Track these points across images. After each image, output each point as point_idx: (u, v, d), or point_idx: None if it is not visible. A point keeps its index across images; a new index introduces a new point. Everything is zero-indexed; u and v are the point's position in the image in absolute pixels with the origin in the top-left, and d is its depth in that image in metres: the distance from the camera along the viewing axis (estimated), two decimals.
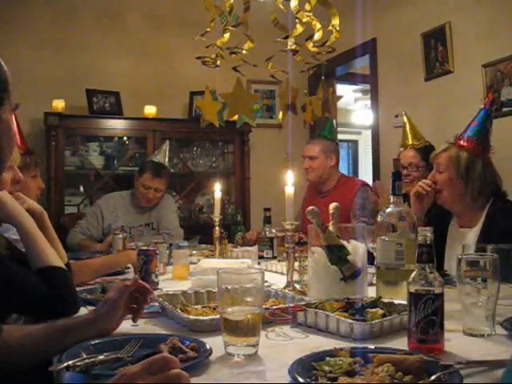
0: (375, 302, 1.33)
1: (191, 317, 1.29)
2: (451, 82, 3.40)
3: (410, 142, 2.78)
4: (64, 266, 1.42)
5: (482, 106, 2.15)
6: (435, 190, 2.13)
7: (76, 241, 3.05)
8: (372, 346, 1.07)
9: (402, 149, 2.85)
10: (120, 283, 1.26)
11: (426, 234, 1.09)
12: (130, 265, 2.22)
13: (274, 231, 2.55)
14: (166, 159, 3.47)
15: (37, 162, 2.27)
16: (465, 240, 2.07)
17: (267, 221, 2.62)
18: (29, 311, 1.34)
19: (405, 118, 2.85)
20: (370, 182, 4.01)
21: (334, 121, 3.28)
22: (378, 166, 4.13)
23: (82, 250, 2.88)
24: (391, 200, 1.60)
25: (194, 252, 2.72)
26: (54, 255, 1.40)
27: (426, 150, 2.67)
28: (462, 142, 2.10)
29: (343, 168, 7.85)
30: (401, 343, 1.12)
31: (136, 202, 3.25)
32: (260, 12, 2.44)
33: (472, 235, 2.04)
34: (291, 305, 1.37)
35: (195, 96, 4.23)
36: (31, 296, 1.29)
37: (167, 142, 3.60)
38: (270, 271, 2.21)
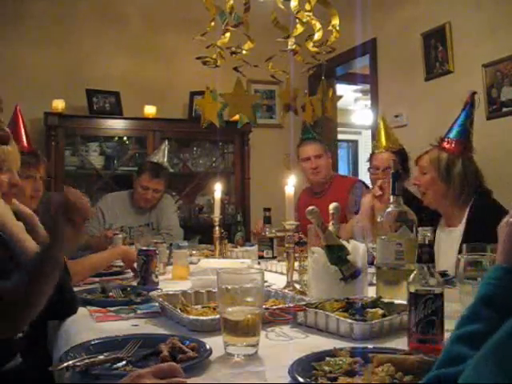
0: (375, 302, 1.33)
1: (191, 317, 1.29)
2: (451, 81, 3.40)
3: (385, 144, 2.69)
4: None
5: (464, 107, 2.18)
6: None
7: (82, 242, 3.05)
8: (372, 346, 1.07)
9: (376, 151, 2.75)
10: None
11: (426, 234, 1.09)
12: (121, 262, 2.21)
13: (273, 231, 2.55)
14: (165, 159, 3.46)
15: (30, 164, 2.18)
16: (451, 239, 2.11)
17: (267, 221, 2.62)
18: None
19: (381, 123, 2.77)
20: (369, 182, 4.02)
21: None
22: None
23: (93, 249, 2.88)
24: (391, 200, 1.60)
25: (194, 252, 2.72)
26: None
27: (401, 154, 2.63)
28: (444, 144, 2.15)
29: (343, 168, 7.85)
30: (401, 343, 1.12)
31: (135, 203, 3.25)
32: (260, 12, 2.44)
33: (457, 234, 2.09)
34: (291, 305, 1.37)
35: (195, 96, 4.23)
36: None
37: (166, 142, 3.59)
38: (270, 271, 2.21)
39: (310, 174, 3.15)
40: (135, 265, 2.02)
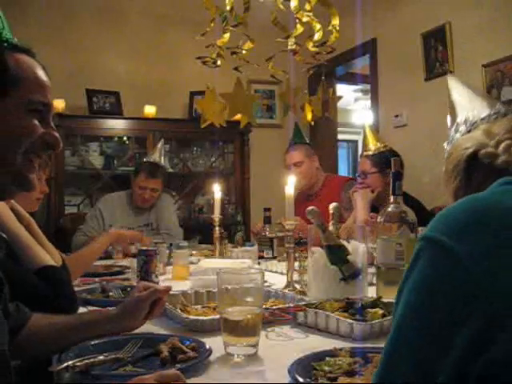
0: (375, 302, 1.33)
1: (191, 317, 1.29)
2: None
3: (365, 151, 2.77)
4: (57, 265, 1.41)
5: None
6: None
7: (81, 242, 3.04)
8: (372, 346, 1.07)
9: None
10: (152, 286, 1.26)
11: None
12: (129, 264, 2.21)
13: (275, 232, 2.55)
14: (162, 158, 3.45)
15: (40, 165, 2.21)
16: None
17: (267, 221, 2.62)
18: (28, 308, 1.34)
19: (366, 128, 2.81)
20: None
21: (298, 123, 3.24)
22: None
23: None
24: (391, 200, 1.60)
25: (194, 252, 2.72)
26: (45, 255, 1.40)
27: (379, 156, 2.65)
28: None
29: (343, 168, 7.85)
30: None
31: (134, 203, 3.24)
32: (260, 12, 2.44)
33: None
34: (291, 305, 1.37)
35: (195, 96, 4.23)
36: (30, 295, 1.29)
37: (162, 141, 3.60)
38: (270, 271, 2.21)
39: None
40: (135, 265, 2.02)
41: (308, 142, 3.29)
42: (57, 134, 1.00)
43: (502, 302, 0.49)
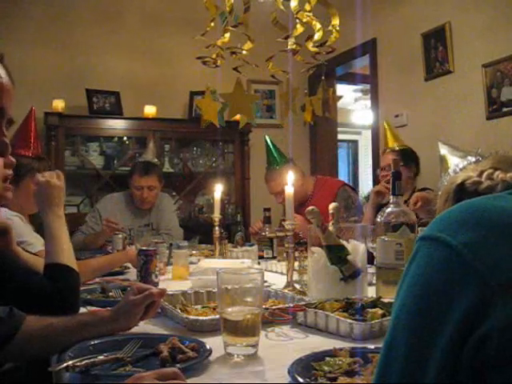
0: (375, 302, 1.33)
1: (191, 317, 1.29)
2: (451, 81, 3.40)
3: (390, 145, 3.03)
4: (75, 268, 1.40)
5: None
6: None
7: (80, 241, 3.04)
8: (372, 346, 1.07)
9: (387, 150, 3.06)
10: (147, 289, 1.26)
11: None
12: (129, 264, 2.22)
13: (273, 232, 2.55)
14: (154, 156, 3.43)
15: (43, 169, 2.21)
16: None
17: (267, 221, 2.62)
18: (27, 306, 1.33)
19: (385, 125, 3.13)
20: (369, 182, 4.02)
21: (268, 139, 3.09)
22: (378, 166, 4.12)
23: (89, 248, 2.88)
24: (391, 200, 1.60)
25: (194, 252, 2.72)
26: (68, 255, 1.38)
27: (405, 153, 2.92)
28: None
29: (343, 168, 7.85)
30: None
31: (134, 204, 3.24)
32: (260, 12, 2.44)
33: None
34: (291, 305, 1.37)
35: (195, 96, 4.23)
36: (31, 291, 1.28)
37: (152, 140, 3.61)
38: (270, 271, 2.21)
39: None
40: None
41: (283, 156, 3.08)
42: (6, 140, 0.96)
43: (494, 279, 0.52)
